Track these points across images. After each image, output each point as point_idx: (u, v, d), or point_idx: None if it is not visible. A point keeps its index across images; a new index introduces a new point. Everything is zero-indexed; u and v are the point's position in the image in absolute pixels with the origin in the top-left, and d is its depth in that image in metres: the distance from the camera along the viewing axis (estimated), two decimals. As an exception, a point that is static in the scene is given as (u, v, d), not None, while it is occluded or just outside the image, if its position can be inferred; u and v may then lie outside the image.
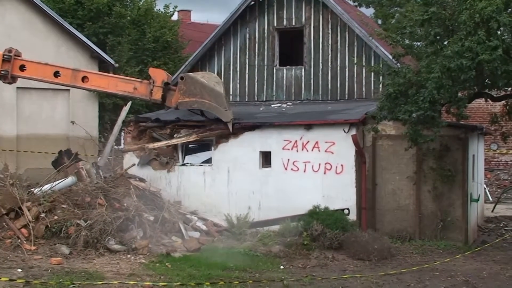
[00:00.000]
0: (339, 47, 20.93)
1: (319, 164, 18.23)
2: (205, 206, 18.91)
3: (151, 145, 19.44)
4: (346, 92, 20.84)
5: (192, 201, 19.12)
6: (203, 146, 19.72)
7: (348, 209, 17.74)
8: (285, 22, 21.58)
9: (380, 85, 19.75)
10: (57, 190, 16.99)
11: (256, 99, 21.83)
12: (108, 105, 26.84)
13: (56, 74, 18.61)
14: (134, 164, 19.30)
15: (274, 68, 21.69)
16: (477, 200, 19.02)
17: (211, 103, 18.35)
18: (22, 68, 18.54)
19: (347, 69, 20.81)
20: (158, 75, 18.58)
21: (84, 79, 18.63)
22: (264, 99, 21.73)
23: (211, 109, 18.46)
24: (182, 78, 18.56)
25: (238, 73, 22.11)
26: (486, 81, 15.43)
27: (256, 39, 21.88)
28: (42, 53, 22.47)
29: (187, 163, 19.66)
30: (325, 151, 18.18)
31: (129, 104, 21.71)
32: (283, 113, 20.03)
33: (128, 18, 29.75)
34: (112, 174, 19.00)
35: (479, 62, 13.73)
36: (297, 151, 18.47)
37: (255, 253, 16.00)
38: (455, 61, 13.87)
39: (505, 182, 29.73)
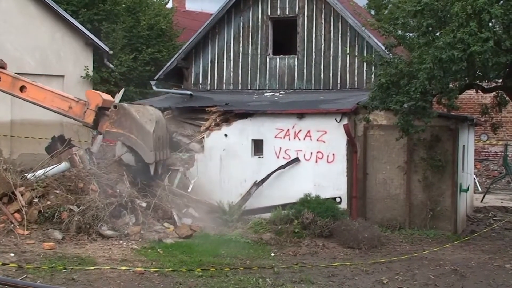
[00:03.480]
0: (332, 37, 20.98)
1: (311, 153, 18.34)
2: (198, 193, 18.94)
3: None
4: (339, 81, 20.91)
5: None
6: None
7: (340, 197, 17.83)
8: (278, 12, 21.61)
9: (372, 75, 19.88)
10: (50, 175, 16.90)
11: (249, 88, 21.87)
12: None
13: None
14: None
15: (267, 57, 21.73)
16: (466, 190, 19.14)
17: (137, 140, 17.36)
18: None
19: (339, 59, 20.87)
20: (93, 98, 17.57)
21: (22, 88, 17.77)
22: (257, 88, 21.77)
23: (135, 146, 17.50)
24: (115, 107, 17.50)
25: (232, 61, 22.13)
26: (477, 72, 15.52)
27: (250, 28, 21.91)
28: (37, 39, 22.57)
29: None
30: (317, 140, 18.28)
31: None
32: (275, 102, 20.08)
33: (123, 5, 29.73)
34: (105, 160, 19.01)
35: (470, 54, 13.80)
36: (289, 139, 18.55)
37: (246, 240, 16.09)
38: (446, 52, 13.94)
39: (494, 173, 29.95)
